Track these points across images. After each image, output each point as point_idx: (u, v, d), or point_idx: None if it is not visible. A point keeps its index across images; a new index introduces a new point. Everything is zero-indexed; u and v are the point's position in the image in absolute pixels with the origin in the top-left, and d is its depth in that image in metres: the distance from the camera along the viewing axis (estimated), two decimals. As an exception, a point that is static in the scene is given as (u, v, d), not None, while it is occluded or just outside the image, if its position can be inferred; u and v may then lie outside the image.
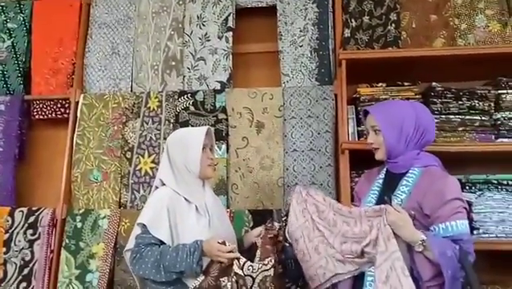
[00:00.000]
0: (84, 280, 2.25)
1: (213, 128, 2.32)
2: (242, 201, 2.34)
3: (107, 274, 2.23)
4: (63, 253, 2.31)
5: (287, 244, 2.18)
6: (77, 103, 2.55)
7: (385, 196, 1.55)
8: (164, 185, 1.75)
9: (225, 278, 1.51)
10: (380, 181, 1.67)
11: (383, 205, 1.48)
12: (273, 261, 1.57)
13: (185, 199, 1.70)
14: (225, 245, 1.54)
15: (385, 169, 1.69)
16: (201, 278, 1.54)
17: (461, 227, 1.46)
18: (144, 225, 1.64)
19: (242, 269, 1.53)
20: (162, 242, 1.62)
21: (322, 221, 1.64)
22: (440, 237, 1.45)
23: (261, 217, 2.20)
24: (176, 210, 1.66)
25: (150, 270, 1.58)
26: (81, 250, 2.30)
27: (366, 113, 1.72)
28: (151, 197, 1.78)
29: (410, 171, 1.59)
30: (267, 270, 1.56)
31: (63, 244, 2.33)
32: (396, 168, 1.63)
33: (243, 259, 1.55)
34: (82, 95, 2.56)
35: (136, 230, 1.68)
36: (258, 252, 1.65)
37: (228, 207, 2.30)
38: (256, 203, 2.32)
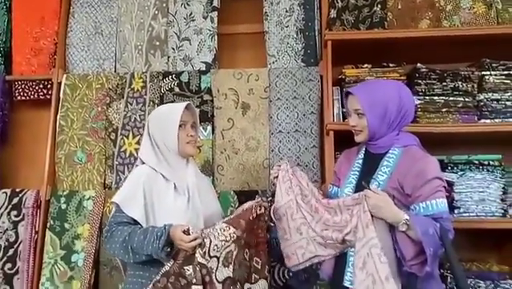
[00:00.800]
0: (70, 261, 2.25)
1: (198, 110, 2.34)
2: (228, 183, 2.34)
3: (92, 255, 2.23)
4: (48, 234, 2.31)
5: (272, 224, 2.21)
6: (60, 83, 2.51)
7: (362, 181, 1.55)
8: (143, 163, 1.72)
9: (190, 266, 1.48)
10: (360, 162, 1.67)
11: (361, 192, 1.49)
12: (235, 236, 1.55)
13: (163, 177, 1.67)
14: (188, 233, 1.49)
15: (364, 149, 1.70)
16: (170, 263, 1.51)
17: (441, 206, 1.48)
18: (117, 204, 1.62)
19: (209, 253, 1.51)
20: (136, 221, 1.59)
21: (305, 206, 1.65)
22: (421, 216, 1.47)
23: (246, 197, 2.20)
24: (153, 189, 1.63)
25: (119, 250, 1.56)
26: (66, 231, 2.30)
27: (347, 94, 1.69)
28: (129, 175, 1.76)
29: (390, 151, 1.59)
30: (228, 245, 1.55)
31: (48, 225, 2.32)
32: (376, 149, 1.64)
33: (207, 243, 1.51)
34: (65, 76, 2.51)
35: (112, 210, 1.67)
36: (228, 217, 1.64)
37: (214, 188, 2.30)
38: (241, 184, 2.33)
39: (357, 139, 1.67)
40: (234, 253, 1.57)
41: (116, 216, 1.61)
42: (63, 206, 2.33)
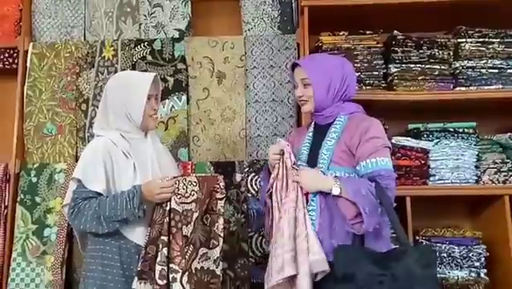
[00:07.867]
0: (42, 235, 2.19)
1: (172, 79, 2.29)
2: (204, 154, 2.30)
3: (65, 229, 2.17)
4: (19, 208, 2.23)
5: (249, 195, 2.19)
6: (26, 52, 2.39)
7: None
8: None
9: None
10: (310, 134, 1.70)
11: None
12: (196, 195, 1.57)
13: (123, 153, 1.62)
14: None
15: (313, 124, 1.73)
16: (148, 230, 1.53)
17: (381, 163, 1.51)
18: (78, 179, 1.58)
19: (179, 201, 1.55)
20: (100, 194, 1.57)
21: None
22: (354, 177, 1.53)
23: (223, 169, 2.19)
24: (112, 162, 1.60)
25: (90, 222, 1.53)
26: (37, 205, 2.22)
27: (294, 66, 1.71)
28: (86, 148, 1.70)
29: (337, 119, 1.64)
30: (189, 202, 1.57)
31: (18, 199, 2.24)
32: (323, 119, 1.67)
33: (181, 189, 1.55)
34: (31, 44, 2.40)
35: (72, 185, 1.62)
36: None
37: (189, 160, 2.27)
38: (218, 155, 2.30)
39: (304, 109, 1.70)
40: (195, 214, 1.57)
41: (80, 192, 1.57)
42: (34, 180, 2.26)
